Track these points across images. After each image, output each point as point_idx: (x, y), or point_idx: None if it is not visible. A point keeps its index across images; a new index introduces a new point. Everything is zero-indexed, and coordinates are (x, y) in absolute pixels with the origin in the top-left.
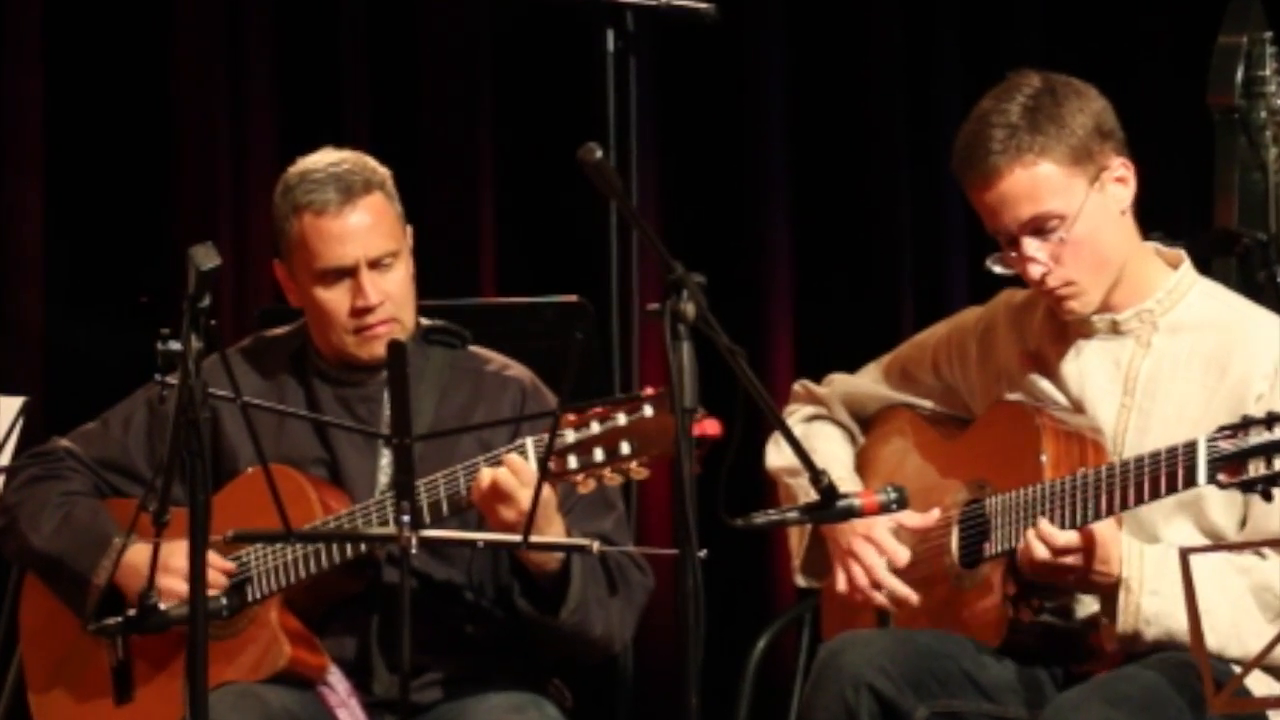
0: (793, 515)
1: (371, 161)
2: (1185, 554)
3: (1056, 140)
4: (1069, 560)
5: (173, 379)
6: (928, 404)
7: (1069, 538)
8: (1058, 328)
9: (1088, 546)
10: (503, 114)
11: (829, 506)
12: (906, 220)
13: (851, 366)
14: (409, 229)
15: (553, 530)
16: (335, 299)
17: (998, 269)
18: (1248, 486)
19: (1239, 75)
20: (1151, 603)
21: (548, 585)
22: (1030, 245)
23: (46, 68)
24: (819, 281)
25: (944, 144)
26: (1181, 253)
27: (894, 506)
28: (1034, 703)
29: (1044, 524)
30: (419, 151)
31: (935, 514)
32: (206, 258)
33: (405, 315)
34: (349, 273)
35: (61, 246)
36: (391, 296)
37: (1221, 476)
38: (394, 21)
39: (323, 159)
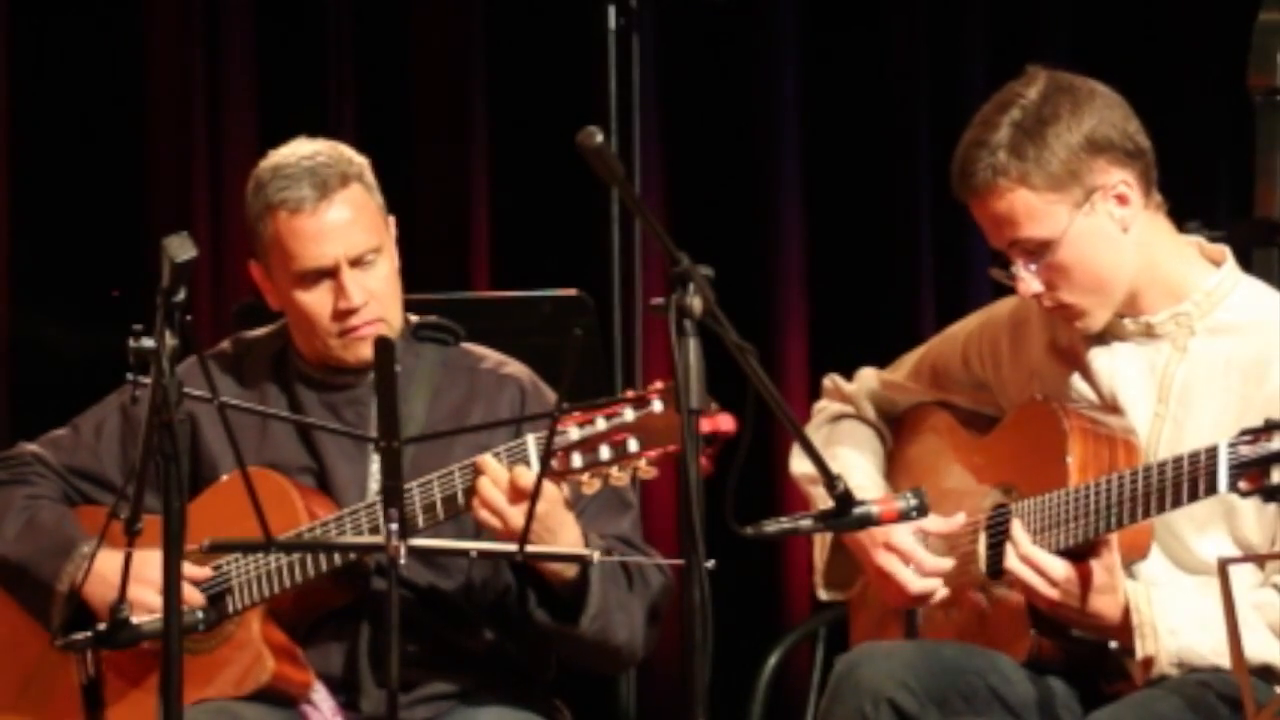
0: (805, 523)
1: (348, 151)
2: (1224, 564)
3: (1035, 165)
4: (1054, 594)
5: (146, 378)
6: (960, 401)
7: (1054, 566)
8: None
9: (1083, 581)
10: (498, 97)
11: (845, 514)
12: (925, 208)
13: (868, 363)
14: (391, 220)
15: (566, 533)
16: (316, 301)
17: (1003, 280)
18: (1270, 494)
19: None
20: (1173, 642)
21: (566, 593)
22: (1019, 266)
23: (11, 50)
24: (833, 274)
25: (966, 126)
26: (1225, 250)
27: (914, 514)
28: None
29: (1025, 544)
30: (409, 138)
31: (960, 518)
32: (182, 249)
33: (391, 313)
34: (329, 273)
35: (28, 238)
36: (376, 295)
37: (1243, 484)
38: (382, 4)
39: (295, 151)
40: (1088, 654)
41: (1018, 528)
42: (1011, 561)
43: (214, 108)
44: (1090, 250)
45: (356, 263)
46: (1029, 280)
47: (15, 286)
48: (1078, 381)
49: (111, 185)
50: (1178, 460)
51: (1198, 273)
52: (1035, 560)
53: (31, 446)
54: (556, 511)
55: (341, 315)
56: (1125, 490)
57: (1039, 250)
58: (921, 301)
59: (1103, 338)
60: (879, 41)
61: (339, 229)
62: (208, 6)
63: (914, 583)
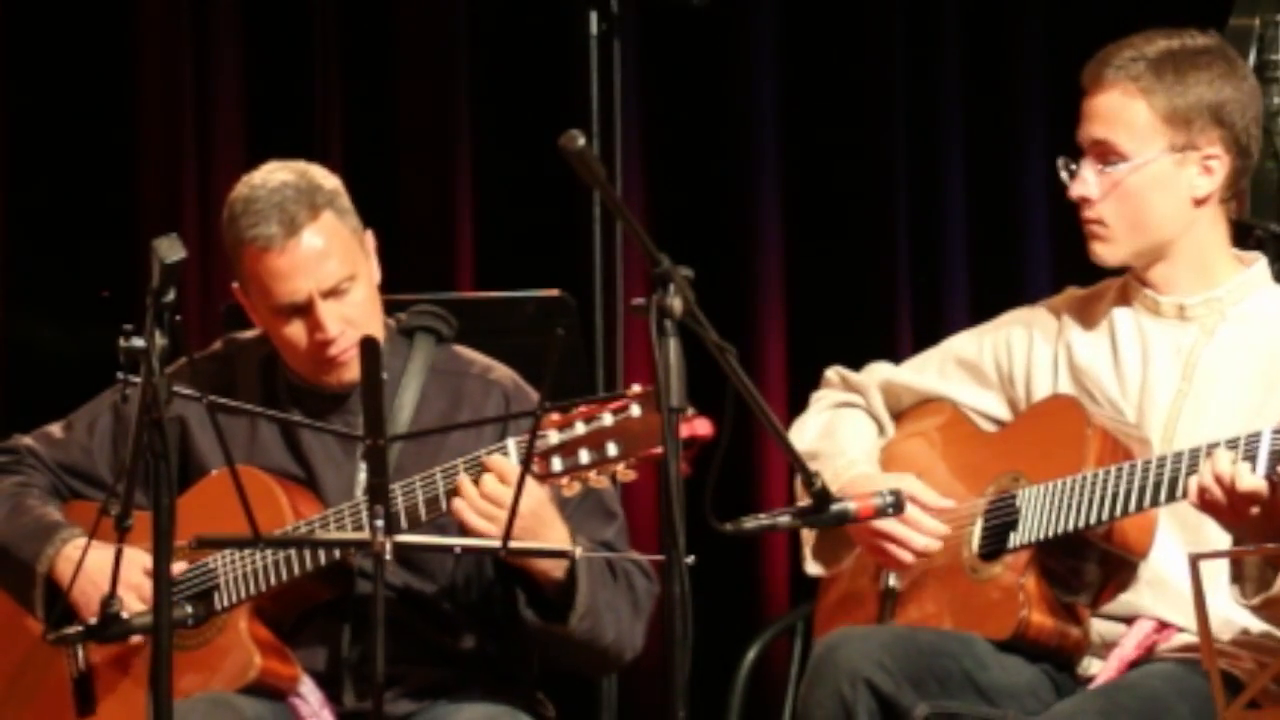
0: (784, 520)
1: (318, 176)
2: (1195, 560)
3: (1164, 90)
4: (1253, 510)
5: (136, 377)
6: (972, 396)
7: (1257, 483)
8: (1123, 307)
9: (1276, 500)
10: (481, 100)
11: (822, 510)
12: (903, 210)
13: (845, 363)
14: (369, 235)
15: (552, 532)
16: (294, 333)
17: (1062, 175)
18: None
19: (1251, 59)
20: None
21: (554, 593)
22: (1087, 165)
23: (5, 55)
24: (812, 275)
25: (942, 132)
26: (1259, 254)
27: (890, 510)
28: (1034, 708)
29: (1227, 461)
30: (393, 140)
31: (950, 503)
32: (171, 250)
33: (372, 333)
34: (303, 307)
35: (20, 239)
36: (353, 321)
37: None
38: (367, 8)
39: (265, 182)
40: (1068, 640)
41: (1227, 460)
42: (1217, 494)
43: (202, 109)
44: (1155, 192)
45: (331, 293)
46: (1086, 182)
47: (6, 287)
48: (1106, 360)
49: (102, 187)
50: (1214, 445)
51: (1232, 267)
52: (1239, 487)
53: (26, 440)
54: (543, 510)
55: (319, 345)
56: (1152, 472)
57: (1112, 160)
58: (898, 302)
59: (1134, 317)
60: (857, 46)
61: (309, 264)
62: (197, 11)
63: (917, 539)
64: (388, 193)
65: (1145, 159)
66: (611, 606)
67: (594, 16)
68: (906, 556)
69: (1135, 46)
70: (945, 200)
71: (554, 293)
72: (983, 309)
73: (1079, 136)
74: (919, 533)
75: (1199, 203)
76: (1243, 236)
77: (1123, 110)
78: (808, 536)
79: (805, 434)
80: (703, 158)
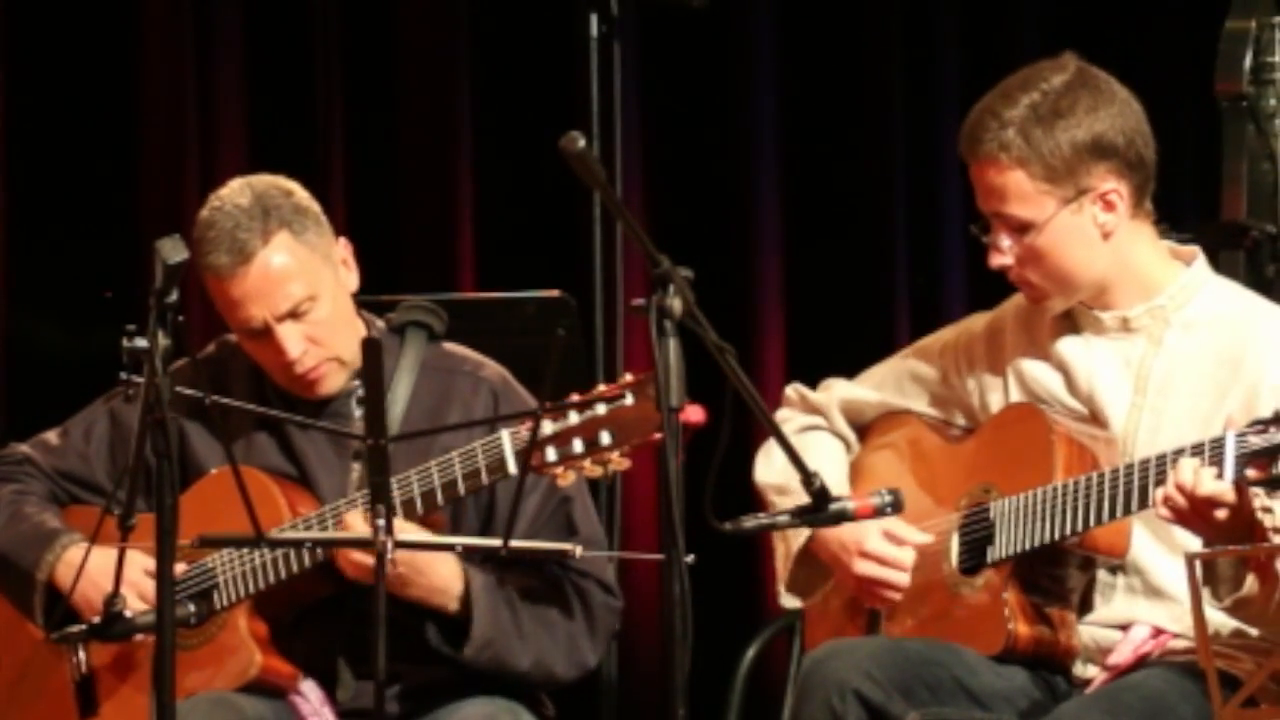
0: (783, 519)
1: (276, 196)
2: (1192, 560)
3: (1036, 153)
4: (1219, 515)
5: (138, 377)
6: (930, 410)
7: (1220, 488)
8: (1068, 326)
9: (1242, 502)
10: (481, 102)
11: (822, 510)
12: (901, 213)
13: (844, 364)
14: (341, 243)
15: (436, 571)
16: (259, 352)
17: (979, 237)
18: (1276, 483)
19: (1247, 61)
20: None
21: (462, 622)
22: (999, 235)
23: (7, 55)
24: (810, 276)
25: (941, 132)
26: (1196, 249)
27: (889, 510)
28: (1028, 712)
29: (1190, 470)
30: (394, 142)
31: (929, 539)
32: (174, 251)
33: (341, 347)
34: (263, 331)
35: (22, 240)
36: (317, 339)
37: (1250, 472)
38: (368, 9)
39: (223, 206)
40: (1058, 646)
41: (1191, 468)
42: (1180, 501)
43: (204, 110)
44: (1065, 245)
45: (289, 315)
46: (1002, 253)
47: (10, 287)
48: (1056, 381)
49: (104, 188)
50: (1179, 451)
51: (1171, 270)
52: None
53: (23, 447)
54: (418, 558)
55: (286, 366)
56: (1121, 481)
57: (1019, 229)
58: (896, 305)
59: (1079, 334)
60: (856, 47)
61: (261, 292)
62: (199, 12)
63: (902, 578)
64: (389, 193)
65: (1045, 219)
66: (529, 633)
67: (594, 18)
68: (896, 596)
69: (996, 114)
70: (945, 200)
71: (554, 293)
72: (982, 310)
73: (979, 206)
74: (903, 570)
75: (1110, 235)
76: (1237, 237)
77: (1005, 184)
78: (781, 571)
79: (774, 464)
80: (703, 159)
